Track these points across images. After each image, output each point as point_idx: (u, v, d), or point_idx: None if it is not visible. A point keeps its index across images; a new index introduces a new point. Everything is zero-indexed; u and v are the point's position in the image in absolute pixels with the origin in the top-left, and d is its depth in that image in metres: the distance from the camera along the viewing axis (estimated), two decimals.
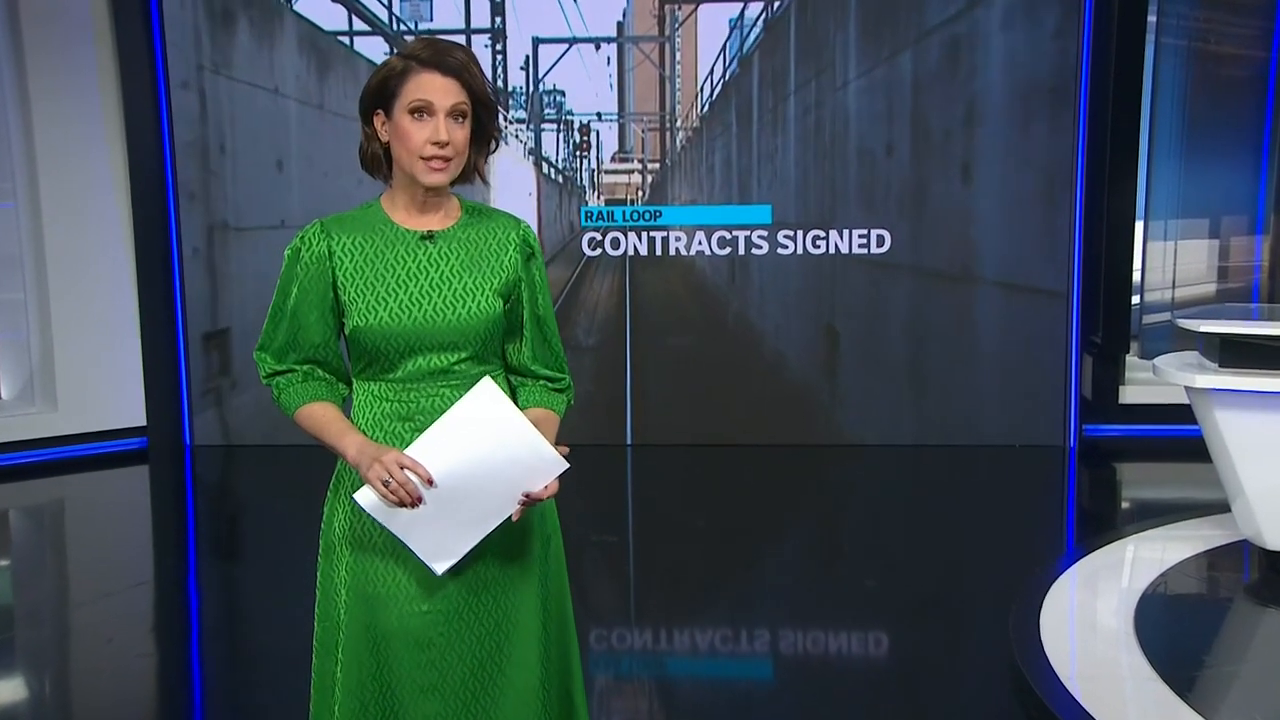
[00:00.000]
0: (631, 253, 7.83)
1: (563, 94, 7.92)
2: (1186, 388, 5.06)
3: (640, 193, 7.89)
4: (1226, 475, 5.12)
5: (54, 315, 7.60)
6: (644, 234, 7.81)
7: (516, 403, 2.44)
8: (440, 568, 2.39)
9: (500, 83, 7.86)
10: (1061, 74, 7.32)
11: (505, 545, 2.47)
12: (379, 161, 2.50)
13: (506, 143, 2.59)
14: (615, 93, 7.93)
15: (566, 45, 7.86)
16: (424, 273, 2.43)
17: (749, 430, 7.77)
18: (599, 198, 7.93)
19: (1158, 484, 7.33)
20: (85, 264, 7.66)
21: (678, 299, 7.87)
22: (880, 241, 7.60)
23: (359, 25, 7.91)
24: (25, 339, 7.75)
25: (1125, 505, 7.16)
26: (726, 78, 7.85)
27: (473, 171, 2.49)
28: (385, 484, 2.30)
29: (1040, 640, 4.39)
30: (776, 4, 7.69)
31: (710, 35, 7.80)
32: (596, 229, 7.85)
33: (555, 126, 7.96)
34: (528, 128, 7.92)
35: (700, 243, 7.77)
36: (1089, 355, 7.72)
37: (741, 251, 7.76)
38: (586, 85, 7.90)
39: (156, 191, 7.75)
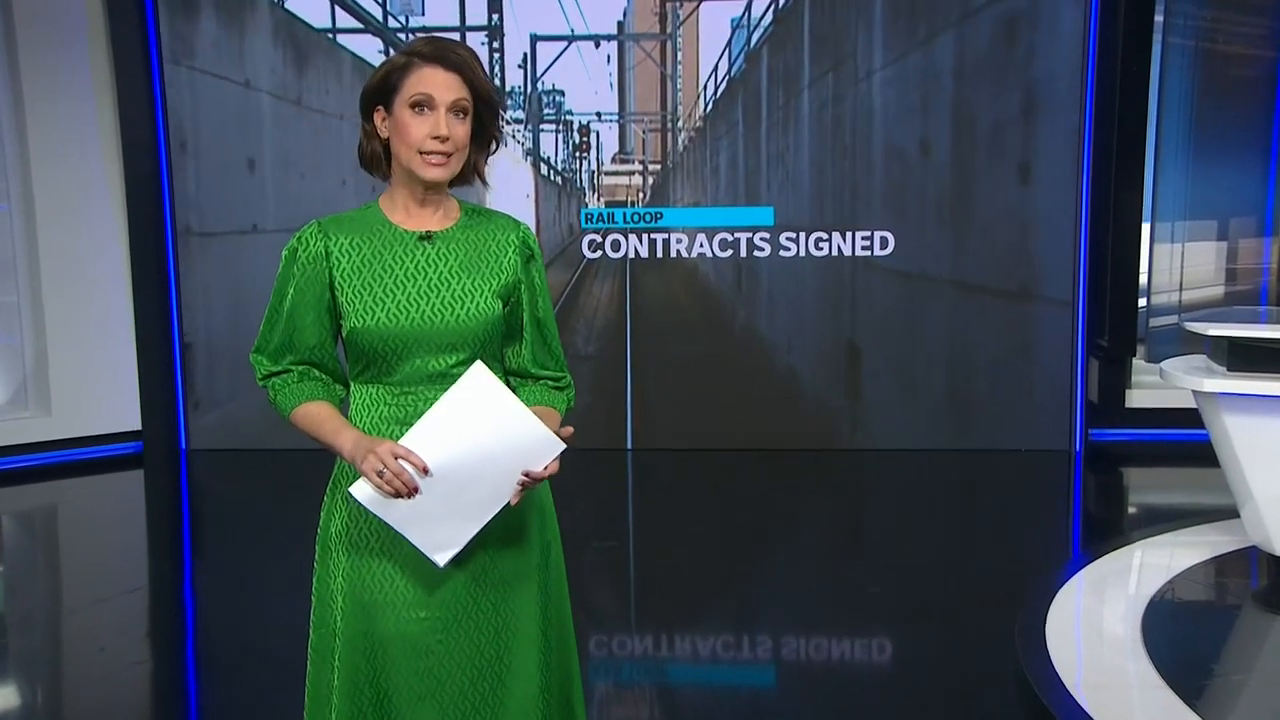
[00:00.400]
0: (632, 255, 7.80)
1: (562, 94, 7.87)
2: (1194, 392, 5.06)
3: (641, 194, 7.86)
4: (1235, 480, 5.11)
5: (48, 318, 7.60)
6: (644, 236, 7.79)
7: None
8: (442, 559, 2.38)
9: (498, 81, 7.82)
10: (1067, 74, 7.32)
11: (505, 551, 2.47)
12: (378, 159, 2.49)
13: (505, 144, 2.58)
14: (615, 92, 7.88)
15: (565, 43, 7.81)
16: (422, 273, 2.43)
17: (750, 435, 7.76)
18: (599, 199, 7.90)
19: (1165, 489, 7.32)
20: (79, 266, 7.66)
21: (680, 304, 7.83)
22: (884, 244, 7.58)
23: (353, 23, 7.83)
24: (19, 342, 7.74)
25: (1132, 511, 7.16)
26: (732, 74, 7.79)
27: (473, 172, 2.49)
28: (380, 474, 2.30)
29: (1046, 647, 4.38)
30: None
31: (712, 33, 7.76)
32: (596, 231, 7.82)
33: (554, 127, 7.92)
34: (525, 128, 7.87)
35: (701, 245, 7.75)
36: (1095, 359, 7.71)
37: (744, 253, 7.73)
38: (586, 84, 7.85)
39: (151, 193, 7.74)
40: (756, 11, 7.68)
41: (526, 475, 2.34)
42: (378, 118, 2.44)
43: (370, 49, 7.86)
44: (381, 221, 2.47)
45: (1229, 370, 4.98)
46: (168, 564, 6.20)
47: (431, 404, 2.40)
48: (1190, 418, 5.50)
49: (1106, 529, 6.46)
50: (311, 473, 2.57)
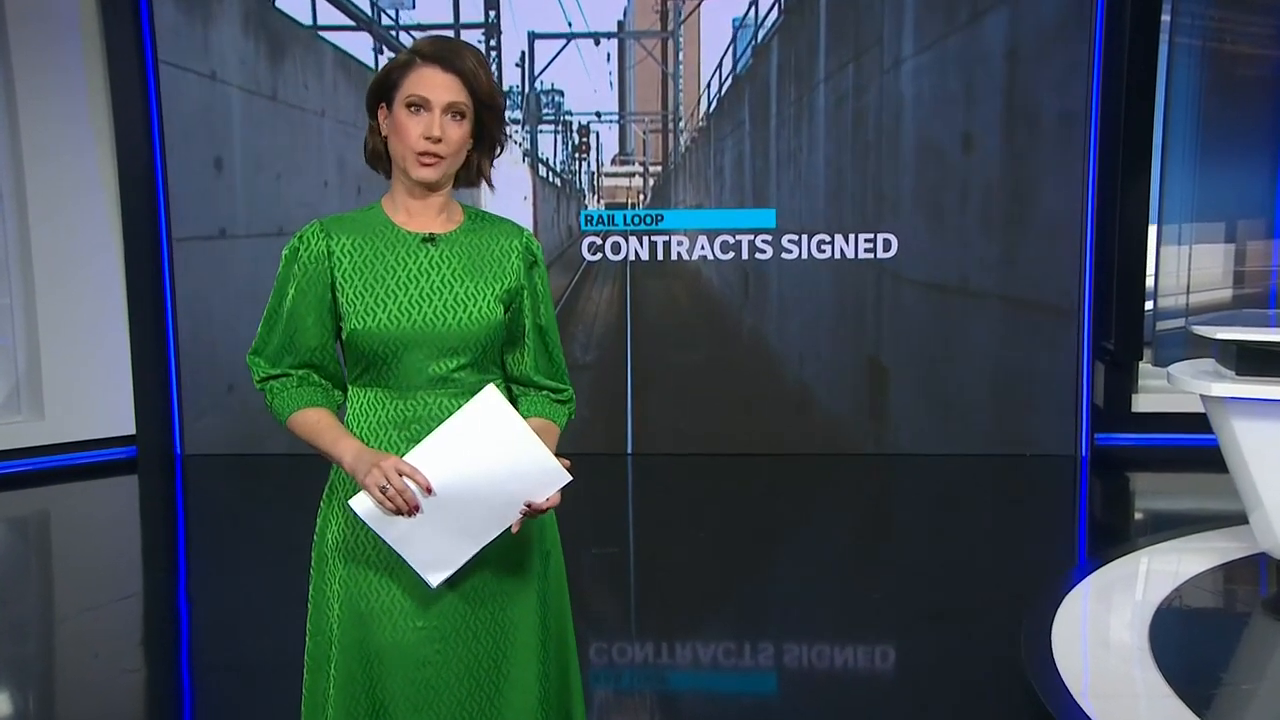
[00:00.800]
0: (632, 258, 7.78)
1: (561, 93, 7.82)
2: (1202, 396, 5.05)
3: (642, 196, 7.83)
4: (1244, 486, 5.11)
5: (41, 321, 7.59)
6: (645, 238, 7.76)
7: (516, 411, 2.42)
8: (435, 579, 2.37)
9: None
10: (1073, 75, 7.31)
11: (504, 560, 2.46)
12: (380, 156, 2.49)
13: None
14: (615, 91, 7.83)
15: (564, 41, 7.75)
16: (424, 276, 2.43)
17: (751, 439, 7.74)
18: (599, 201, 7.87)
19: (1172, 495, 7.31)
20: (73, 268, 7.65)
21: (681, 309, 7.80)
22: (887, 246, 7.57)
23: (347, 21, 7.76)
24: (11, 345, 7.73)
25: (1139, 517, 7.15)
26: (738, 71, 7.72)
27: (477, 175, 2.50)
28: (383, 490, 2.29)
29: (1052, 655, 4.38)
30: None
31: (714, 31, 7.71)
32: (596, 233, 7.79)
33: (553, 127, 7.88)
34: (523, 128, 7.83)
35: (703, 247, 7.72)
36: (1101, 362, 7.70)
37: (745, 255, 7.71)
38: (585, 83, 7.79)
39: (146, 193, 7.72)
40: (763, 6, 7.60)
41: (528, 506, 2.34)
42: (380, 115, 2.45)
43: (357, 43, 7.72)
44: (384, 222, 2.47)
45: (1237, 374, 4.98)
46: (162, 570, 6.19)
47: (431, 408, 2.41)
48: (1198, 422, 5.49)
49: (1113, 535, 6.46)
50: (308, 478, 2.57)
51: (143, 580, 5.99)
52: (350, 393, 2.49)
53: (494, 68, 7.66)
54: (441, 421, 2.36)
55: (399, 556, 2.37)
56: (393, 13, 7.72)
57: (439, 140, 2.37)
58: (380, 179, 2.54)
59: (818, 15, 7.55)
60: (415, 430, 2.40)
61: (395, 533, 2.34)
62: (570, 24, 7.71)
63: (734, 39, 7.69)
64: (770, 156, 7.70)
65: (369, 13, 7.72)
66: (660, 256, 7.76)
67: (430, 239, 2.45)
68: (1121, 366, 7.75)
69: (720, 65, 7.75)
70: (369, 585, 2.44)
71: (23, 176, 7.50)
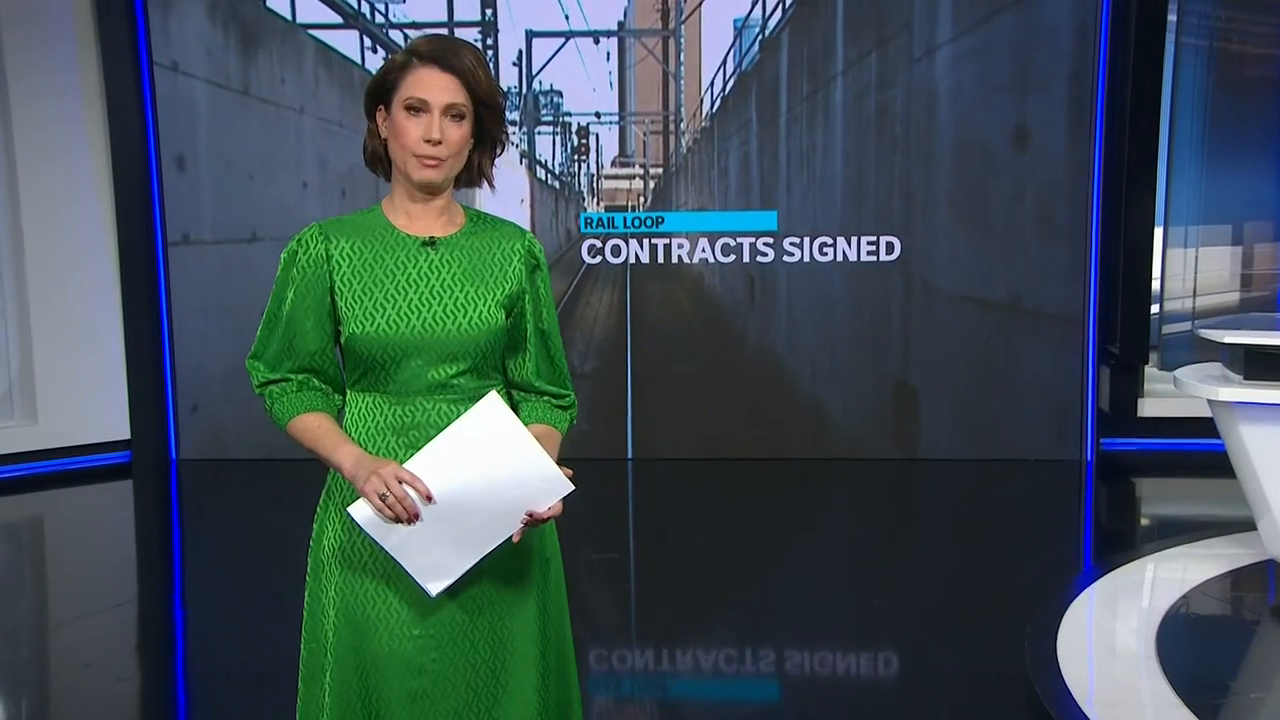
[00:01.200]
0: (633, 261, 7.74)
1: (560, 94, 7.78)
2: (1209, 401, 5.05)
3: (642, 199, 7.80)
4: (1252, 492, 5.11)
5: (34, 324, 7.58)
6: (645, 240, 7.73)
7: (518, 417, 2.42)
8: (434, 588, 2.37)
9: None
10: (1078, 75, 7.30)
11: (503, 568, 2.45)
12: (379, 159, 2.49)
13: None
14: (615, 91, 7.77)
15: (563, 39, 7.67)
16: (424, 280, 2.42)
17: (752, 444, 7.73)
18: (598, 204, 7.84)
19: (1179, 500, 7.30)
20: (66, 270, 7.64)
21: (684, 315, 7.77)
22: (890, 249, 7.55)
23: (340, 19, 7.67)
24: (4, 349, 7.72)
25: (1145, 522, 7.14)
26: (743, 68, 7.63)
27: (478, 175, 2.49)
28: (382, 498, 2.28)
29: (1058, 663, 4.38)
30: None
31: (716, 30, 7.65)
32: (596, 236, 7.76)
33: (552, 128, 7.84)
34: (520, 129, 7.78)
35: (704, 250, 7.69)
36: (1106, 366, 7.70)
37: (747, 259, 7.68)
38: (584, 83, 7.73)
39: (141, 195, 7.70)
40: (768, 3, 7.53)
41: (530, 515, 2.33)
42: (379, 117, 2.44)
43: (342, 37, 7.60)
44: (384, 225, 2.46)
45: (1245, 379, 4.97)
46: (156, 577, 6.19)
47: (430, 414, 2.41)
48: (1205, 427, 5.49)
49: (1119, 541, 6.44)
50: (304, 483, 2.57)
51: (137, 587, 5.97)
52: (348, 397, 2.48)
53: (491, 67, 7.58)
54: (441, 428, 2.35)
55: (397, 564, 2.36)
56: (383, 7, 7.63)
57: (439, 142, 2.37)
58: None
59: (834, 3, 7.41)
60: (414, 437, 2.40)
61: (394, 541, 2.33)
62: (570, 23, 7.65)
63: (738, 37, 7.63)
64: (779, 156, 7.62)
65: (356, 8, 7.61)
66: (661, 259, 7.73)
67: (430, 242, 2.45)
68: (1127, 370, 7.75)
69: (725, 62, 7.67)
70: (365, 593, 2.44)
71: (16, 178, 7.49)
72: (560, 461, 2.37)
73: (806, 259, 7.62)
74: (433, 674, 2.43)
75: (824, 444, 7.72)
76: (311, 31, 7.64)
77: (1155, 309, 7.96)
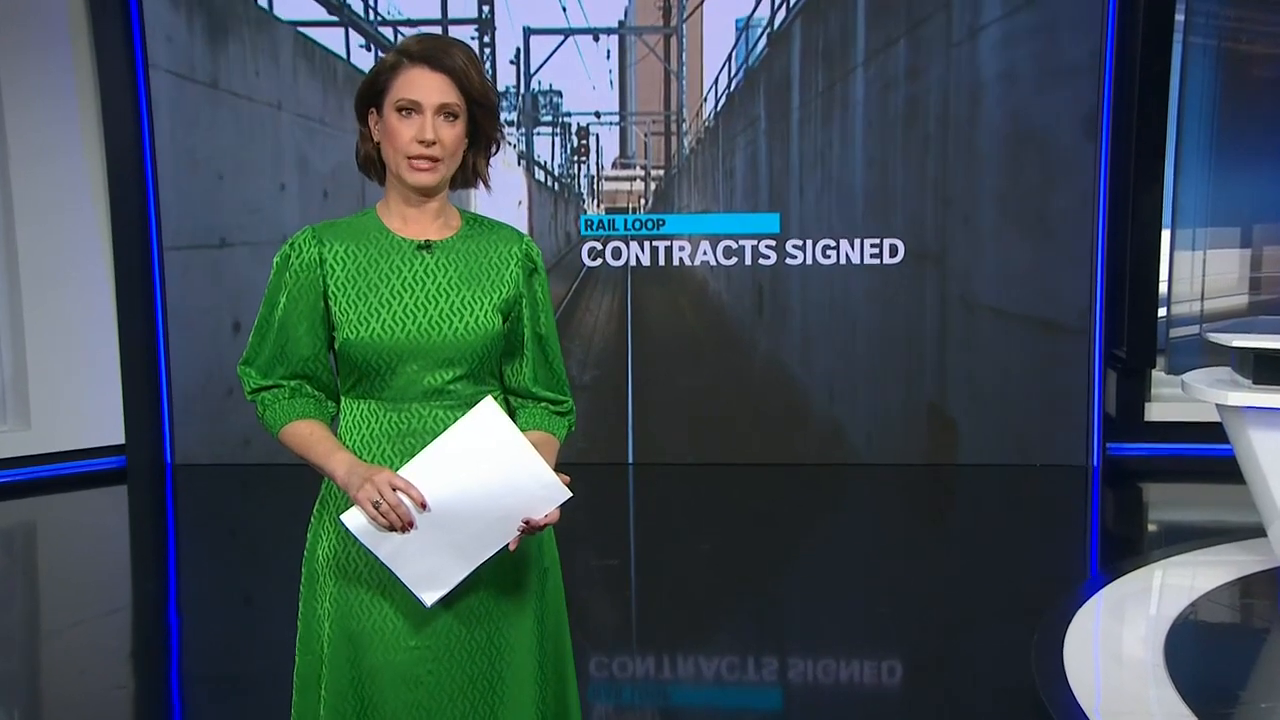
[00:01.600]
0: (634, 264, 7.71)
1: (559, 94, 7.73)
2: (1218, 405, 5.04)
3: (643, 201, 7.76)
4: (1261, 497, 5.10)
5: (27, 327, 7.57)
6: (646, 243, 7.70)
7: (515, 424, 2.40)
8: (429, 598, 2.35)
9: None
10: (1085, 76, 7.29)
11: (500, 577, 2.44)
12: (373, 163, 2.47)
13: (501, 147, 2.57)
14: (616, 91, 7.72)
15: (562, 37, 7.61)
16: (420, 284, 2.41)
17: (756, 449, 7.72)
18: (599, 206, 7.80)
19: (1187, 506, 7.29)
20: (61, 273, 7.63)
21: (687, 323, 7.73)
22: (893, 251, 7.53)
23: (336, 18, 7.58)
24: None
25: (1152, 529, 7.13)
26: (750, 64, 7.52)
27: (474, 175, 2.48)
28: (376, 505, 2.27)
29: (1064, 672, 4.37)
30: None
31: (718, 29, 7.58)
32: (597, 238, 7.73)
33: (551, 129, 7.79)
34: (518, 129, 7.72)
35: (705, 253, 7.67)
36: (1113, 370, 7.69)
37: (749, 261, 7.65)
38: (584, 82, 7.67)
39: (136, 197, 7.70)
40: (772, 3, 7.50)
41: (526, 523, 2.32)
42: (371, 120, 2.43)
43: (326, 30, 7.50)
44: (378, 228, 2.45)
45: (1254, 383, 4.97)
46: (151, 583, 6.17)
47: (426, 421, 2.39)
48: (1213, 432, 5.49)
49: (1126, 548, 6.44)
50: (300, 489, 2.56)
51: (131, 593, 5.97)
52: (343, 404, 2.47)
53: (488, 66, 7.51)
54: (436, 434, 2.34)
55: (392, 574, 2.35)
56: (374, 2, 7.54)
57: (433, 143, 2.35)
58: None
59: None
60: (410, 444, 2.38)
61: (388, 549, 2.31)
62: (569, 20, 7.60)
63: (744, 34, 7.54)
64: (791, 156, 7.54)
65: (344, 2, 7.52)
66: (662, 261, 7.70)
67: (426, 246, 2.43)
68: (1134, 375, 7.74)
69: (730, 59, 7.59)
70: (360, 603, 2.42)
71: (9, 180, 7.49)
72: (558, 468, 2.36)
73: (818, 263, 7.57)
74: (429, 686, 2.42)
75: (825, 449, 7.70)
76: (283, 17, 7.49)
77: (1162, 312, 7.95)
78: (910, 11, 7.27)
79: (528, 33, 7.63)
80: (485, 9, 7.59)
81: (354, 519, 2.30)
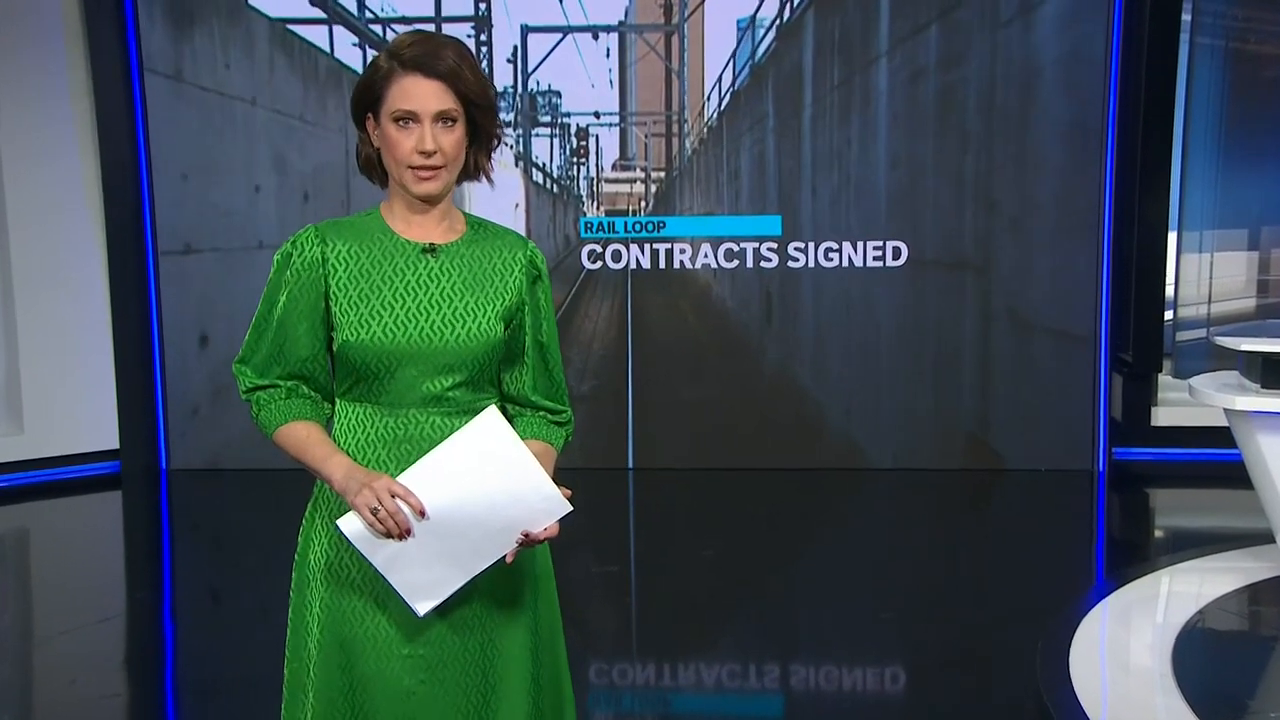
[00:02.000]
0: (634, 267, 7.67)
1: (558, 95, 7.68)
2: (1226, 410, 5.03)
3: (644, 203, 7.73)
4: (1269, 503, 5.09)
5: (20, 331, 7.56)
6: (646, 246, 7.66)
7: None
8: (422, 608, 2.34)
9: None
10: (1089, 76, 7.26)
11: (494, 587, 2.42)
12: (374, 166, 2.46)
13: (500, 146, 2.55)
14: (615, 90, 7.66)
15: (560, 35, 7.53)
16: (423, 288, 2.40)
17: (757, 453, 7.69)
18: (598, 208, 7.76)
19: (1194, 512, 7.28)
20: (54, 276, 7.61)
21: (688, 329, 7.69)
22: (896, 254, 7.50)
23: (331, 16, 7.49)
24: None
25: (1159, 535, 7.12)
26: (757, 60, 7.39)
27: (476, 171, 2.46)
28: (374, 512, 2.25)
29: (1070, 680, 4.35)
30: None
31: (719, 30, 7.53)
32: (596, 241, 7.69)
33: (549, 130, 7.73)
34: (515, 129, 7.66)
35: (706, 255, 7.63)
36: (1119, 374, 7.67)
37: (750, 264, 7.61)
38: (583, 81, 7.60)
39: (131, 200, 7.68)
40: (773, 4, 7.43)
41: (525, 535, 2.31)
42: (369, 126, 2.41)
43: (304, 14, 7.35)
44: (382, 229, 2.43)
45: (1263, 387, 4.97)
46: (145, 590, 6.16)
47: (423, 427, 2.38)
48: (1220, 437, 5.48)
49: (1132, 554, 6.42)
50: (298, 494, 2.54)
51: (125, 601, 5.96)
52: (338, 407, 2.45)
53: (484, 64, 7.39)
54: (433, 441, 2.34)
55: (385, 581, 2.33)
56: None
57: (433, 153, 2.34)
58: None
59: None
60: (405, 450, 2.37)
61: (384, 557, 2.30)
62: (568, 18, 7.53)
63: (750, 28, 7.43)
64: (802, 156, 7.45)
65: (349, 7, 7.44)
66: (663, 264, 7.66)
67: (431, 249, 2.42)
68: (1140, 379, 7.71)
69: (735, 55, 7.48)
70: (352, 610, 2.41)
71: (2, 182, 7.47)
72: (556, 476, 2.35)
73: (811, 264, 7.55)
74: (421, 697, 2.40)
75: (828, 454, 7.68)
76: (258, 6, 7.38)
77: (1169, 315, 7.93)
78: None
79: (525, 30, 7.56)
80: (482, 6, 7.53)
81: (350, 525, 2.29)
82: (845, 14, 7.26)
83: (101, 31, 7.54)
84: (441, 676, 2.41)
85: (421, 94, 2.33)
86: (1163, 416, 7.73)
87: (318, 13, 7.52)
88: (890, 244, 7.48)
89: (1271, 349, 4.95)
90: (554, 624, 2.55)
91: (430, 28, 7.33)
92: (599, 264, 7.70)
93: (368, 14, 7.53)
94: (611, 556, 6.39)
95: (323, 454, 2.36)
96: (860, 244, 7.49)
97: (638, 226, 7.68)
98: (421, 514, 2.27)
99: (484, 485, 2.29)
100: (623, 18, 7.65)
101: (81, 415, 7.76)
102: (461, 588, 2.34)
